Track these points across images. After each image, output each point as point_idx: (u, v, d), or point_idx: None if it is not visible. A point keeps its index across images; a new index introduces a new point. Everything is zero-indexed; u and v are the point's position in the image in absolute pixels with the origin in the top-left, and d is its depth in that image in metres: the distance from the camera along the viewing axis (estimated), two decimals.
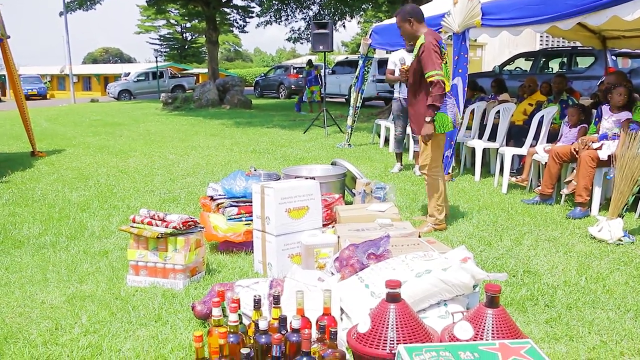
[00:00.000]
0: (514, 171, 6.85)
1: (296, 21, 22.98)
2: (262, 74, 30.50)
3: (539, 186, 5.80)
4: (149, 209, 3.75)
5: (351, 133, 10.00)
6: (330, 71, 21.46)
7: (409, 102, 4.93)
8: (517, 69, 13.91)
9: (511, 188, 6.22)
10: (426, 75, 4.43)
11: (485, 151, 7.30)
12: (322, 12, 21.98)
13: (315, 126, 12.28)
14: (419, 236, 3.77)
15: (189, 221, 3.57)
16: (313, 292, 2.87)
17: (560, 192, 5.53)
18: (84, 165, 8.47)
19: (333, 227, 4.07)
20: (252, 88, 30.11)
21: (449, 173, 6.99)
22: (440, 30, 7.37)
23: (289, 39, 24.36)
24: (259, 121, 14.79)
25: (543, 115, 6.46)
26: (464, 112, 8.02)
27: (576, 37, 9.62)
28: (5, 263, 4.13)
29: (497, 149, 6.78)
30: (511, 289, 3.39)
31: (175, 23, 49.29)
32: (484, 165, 7.28)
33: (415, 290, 2.63)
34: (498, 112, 7.32)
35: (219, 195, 4.40)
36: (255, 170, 5.59)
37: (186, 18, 38.53)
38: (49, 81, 42.48)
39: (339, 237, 3.77)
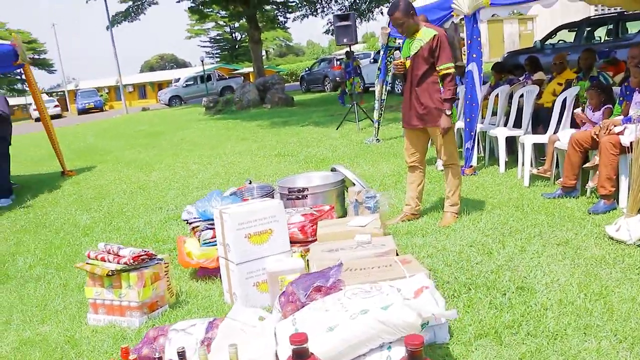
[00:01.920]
0: (543, 160, 6.30)
1: (333, 12, 22.42)
2: (307, 68, 30.25)
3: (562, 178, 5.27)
4: (107, 243, 3.55)
5: (378, 127, 9.59)
6: (372, 60, 20.94)
7: (410, 95, 4.63)
8: (560, 42, 13.05)
9: (535, 180, 5.70)
10: (442, 67, 4.41)
11: (513, 139, 6.76)
12: (357, 1, 21.46)
13: (348, 121, 11.91)
14: (396, 254, 3.41)
15: (141, 255, 3.34)
16: (250, 334, 2.58)
17: (586, 187, 4.98)
18: (106, 182, 8.48)
19: (302, 249, 3.76)
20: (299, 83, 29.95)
21: (471, 166, 6.52)
22: (451, 14, 6.92)
23: (326, 32, 23.98)
24: (296, 119, 14.54)
25: (567, 97, 5.89)
26: (485, 99, 7.51)
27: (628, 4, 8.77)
28: None
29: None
30: (494, 313, 2.98)
31: (224, 24, 49.76)
32: (511, 155, 6.75)
33: (349, 334, 2.29)
34: (523, 95, 6.76)
35: (194, 218, 4.17)
36: (250, 182, 5.34)
37: (231, 19, 38.82)
38: (106, 93, 43.81)
39: (308, 260, 3.46)
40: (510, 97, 7.23)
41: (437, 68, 4.44)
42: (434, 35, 4.39)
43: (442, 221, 4.67)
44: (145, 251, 3.38)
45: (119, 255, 3.32)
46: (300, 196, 4.88)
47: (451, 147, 4.64)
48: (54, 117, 35.34)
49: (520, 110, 6.73)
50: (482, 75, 6.50)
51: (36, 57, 48.16)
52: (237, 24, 46.93)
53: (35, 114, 35.85)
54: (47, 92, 49.88)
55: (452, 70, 4.42)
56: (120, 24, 26.39)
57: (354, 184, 5.00)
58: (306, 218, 4.25)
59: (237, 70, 41.97)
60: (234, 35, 52.45)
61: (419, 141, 4.77)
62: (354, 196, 4.48)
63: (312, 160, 8.33)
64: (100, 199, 7.29)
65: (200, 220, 4.12)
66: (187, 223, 4.24)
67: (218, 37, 53.32)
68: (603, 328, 2.73)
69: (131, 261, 3.27)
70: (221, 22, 49.00)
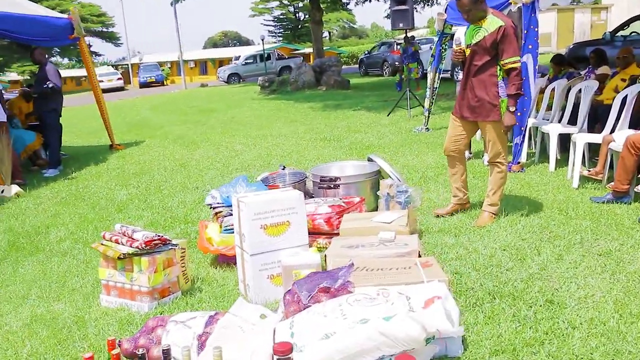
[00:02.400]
0: (597, 160, 5.92)
1: None
2: (367, 52, 29.84)
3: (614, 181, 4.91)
4: (123, 224, 3.50)
5: (429, 116, 9.29)
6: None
7: (465, 84, 4.42)
8: (633, 33, 12.27)
9: (585, 182, 5.35)
10: (507, 61, 4.14)
11: (568, 137, 6.37)
12: None
13: (400, 108, 11.62)
14: (419, 255, 3.22)
15: (154, 240, 3.26)
16: (248, 332, 2.47)
17: (635, 189, 4.63)
18: (150, 158, 8.54)
19: (326, 241, 3.61)
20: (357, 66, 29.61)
21: (519, 162, 6.20)
22: (508, 2, 6.55)
23: (387, 16, 23.50)
24: (349, 103, 14.33)
25: (628, 94, 5.48)
26: (541, 92, 7.13)
27: None
28: (6, 274, 4.10)
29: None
30: (515, 327, 2.76)
31: (287, 3, 49.73)
32: (565, 153, 6.38)
33: (346, 344, 2.13)
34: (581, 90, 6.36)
35: (218, 203, 4.07)
36: (283, 168, 5.22)
37: None
38: (169, 67, 44.51)
39: (325, 255, 3.31)
40: (568, 91, 6.82)
41: (501, 62, 4.19)
42: (500, 27, 4.12)
43: (478, 220, 4.42)
44: (159, 236, 3.30)
45: (132, 239, 3.26)
46: (331, 185, 4.73)
47: (501, 145, 4.37)
48: (116, 89, 36.36)
49: (577, 107, 6.34)
50: (537, 67, 6.13)
51: (104, 30, 49.43)
52: (300, 4, 46.86)
53: (101, 85, 36.91)
54: (113, 64, 51.15)
55: (518, 65, 4.16)
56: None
57: (390, 176, 4.80)
58: (333, 209, 4.11)
59: (297, 50, 41.87)
60: (297, 15, 52.40)
61: (464, 132, 4.54)
62: (386, 189, 4.28)
63: (356, 147, 8.14)
64: (141, 174, 7.33)
65: (223, 206, 4.03)
66: (211, 208, 4.15)
67: (281, 16, 53.39)
68: (636, 356, 2.48)
69: (143, 245, 3.20)
70: (285, 1, 49.04)
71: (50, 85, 7.90)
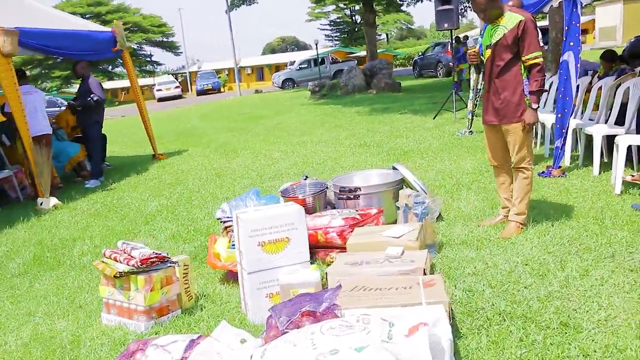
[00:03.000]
0: None
1: None
2: (421, 53, 29.38)
3: None
4: (125, 241, 3.46)
5: (472, 119, 8.95)
6: None
7: (489, 87, 4.20)
8: None
9: (629, 188, 4.97)
10: (529, 56, 3.93)
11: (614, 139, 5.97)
12: None
13: (446, 110, 11.29)
14: (424, 273, 3.02)
15: (151, 258, 3.19)
16: (226, 358, 2.35)
17: None
18: (189, 167, 8.59)
19: (331, 258, 3.45)
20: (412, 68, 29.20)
21: (560, 167, 5.85)
22: None
23: None
24: (396, 106, 14.06)
25: None
26: (589, 91, 6.72)
27: None
28: (22, 289, 4.15)
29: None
30: (519, 354, 2.53)
31: (344, 7, 49.65)
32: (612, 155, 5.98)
33: None
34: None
35: (227, 217, 3.98)
36: (305, 178, 5.10)
37: (350, 1, 38.60)
38: (226, 74, 45.20)
39: (327, 273, 3.16)
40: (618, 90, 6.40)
41: (523, 58, 3.97)
42: (520, 21, 3.92)
43: (504, 232, 4.16)
44: (156, 254, 3.23)
45: (130, 256, 3.21)
46: (351, 196, 4.57)
47: (525, 148, 4.12)
48: (174, 97, 37.20)
49: (625, 106, 5.93)
50: (578, 65, 5.77)
51: (165, 39, 50.82)
52: (356, 7, 46.67)
53: (159, 94, 37.86)
54: (173, 73, 52.46)
55: (540, 60, 3.93)
56: (239, 7, 27.01)
57: (413, 186, 4.61)
58: (347, 222, 3.95)
59: (353, 53, 41.73)
60: (353, 17, 52.25)
61: (497, 140, 4.29)
62: (404, 200, 4.09)
63: (395, 153, 7.93)
64: (176, 185, 7.37)
65: (232, 220, 3.93)
66: (221, 222, 4.07)
67: (338, 20, 53.37)
68: None
69: (139, 264, 3.14)
70: (341, 5, 48.97)
71: (95, 98, 8.06)
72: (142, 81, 51.92)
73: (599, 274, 3.31)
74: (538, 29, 6.33)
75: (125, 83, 54.45)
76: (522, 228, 4.17)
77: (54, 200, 6.89)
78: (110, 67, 50.87)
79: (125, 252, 3.28)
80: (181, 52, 52.30)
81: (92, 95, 8.02)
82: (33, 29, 7.10)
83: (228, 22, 28.92)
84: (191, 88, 45.90)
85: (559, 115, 5.90)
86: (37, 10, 8.40)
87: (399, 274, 3.01)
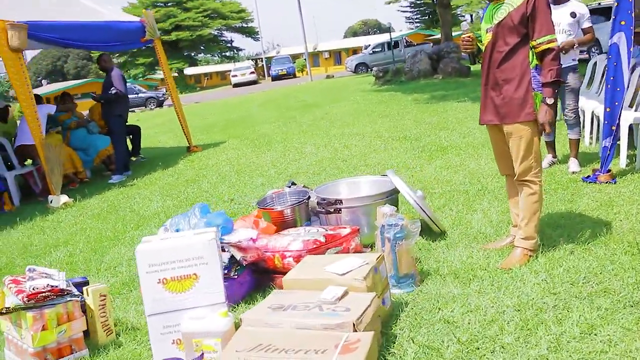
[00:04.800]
0: None
1: None
2: None
3: None
4: (32, 266, 3.01)
5: None
6: None
7: (489, 81, 3.42)
8: None
9: None
10: (541, 40, 3.18)
11: None
12: None
13: None
14: (354, 328, 2.36)
15: (42, 292, 2.71)
16: None
17: None
18: (216, 162, 8.20)
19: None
20: None
21: (609, 171, 4.91)
22: None
23: None
24: (457, 93, 13.05)
25: None
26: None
27: None
28: None
29: None
30: None
31: None
32: None
33: None
34: None
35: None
36: (290, 186, 4.51)
37: None
38: (304, 59, 44.84)
39: (241, 319, 2.56)
40: None
41: (533, 42, 3.21)
42: None
43: (506, 260, 3.38)
44: (52, 287, 2.74)
45: (20, 289, 2.74)
46: (331, 210, 3.93)
47: (532, 156, 3.33)
48: (249, 83, 37.33)
49: None
50: (631, 49, 4.80)
51: (244, 25, 51.13)
52: None
53: (234, 80, 38.08)
54: (253, 58, 52.80)
55: (554, 45, 3.19)
56: None
57: (406, 199, 3.90)
58: (305, 246, 3.34)
59: (432, 36, 40.23)
60: None
61: (503, 143, 3.51)
62: (382, 219, 3.40)
63: (430, 148, 7.14)
64: (192, 183, 6.98)
65: None
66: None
67: (418, 2, 51.72)
68: None
69: (26, 299, 2.66)
70: None
71: (114, 92, 7.79)
72: (223, 67, 52.77)
73: (609, 332, 2.52)
74: (586, 8, 5.42)
75: (208, 69, 55.71)
76: (529, 256, 3.38)
77: (64, 198, 6.66)
78: (193, 54, 51.92)
79: (20, 283, 2.82)
80: (260, 37, 52.53)
81: (112, 89, 7.74)
82: (44, 22, 6.86)
83: (298, 7, 28.43)
84: (268, 73, 46.00)
85: (608, 110, 4.95)
86: (59, 3, 8.20)
87: (321, 329, 2.37)
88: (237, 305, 3.26)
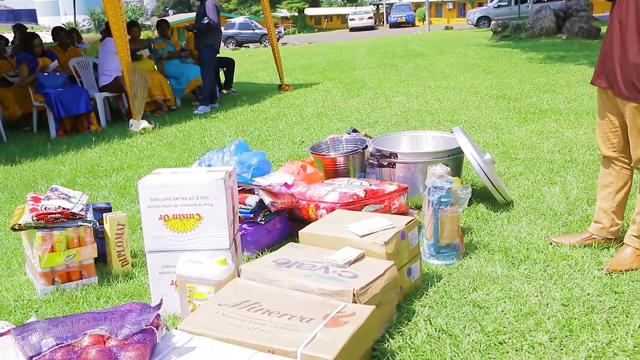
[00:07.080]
0: None
1: None
2: None
3: None
4: (55, 187, 2.94)
5: None
6: None
7: (613, 40, 2.60)
8: None
9: None
10: None
11: None
12: None
13: None
14: (354, 298, 2.08)
15: (53, 213, 2.62)
16: None
17: None
18: (300, 102, 8.02)
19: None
20: None
21: None
22: None
23: None
24: (577, 56, 11.91)
25: None
26: None
27: None
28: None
29: None
30: None
31: None
32: None
33: None
34: None
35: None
36: (351, 132, 4.19)
37: None
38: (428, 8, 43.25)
39: (240, 270, 2.34)
40: None
41: None
42: None
43: (612, 261, 2.73)
44: (64, 209, 2.65)
45: (35, 208, 2.67)
46: (384, 163, 3.59)
47: None
48: (367, 28, 36.55)
49: None
50: None
51: None
52: None
53: (352, 24, 37.44)
54: (376, 4, 51.56)
55: None
56: None
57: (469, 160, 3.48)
58: (341, 199, 3.05)
59: None
60: None
61: (616, 114, 2.76)
62: (431, 179, 3.03)
63: (528, 110, 6.50)
64: (270, 120, 6.83)
65: None
66: None
67: None
68: None
69: (35, 218, 2.59)
70: None
71: (206, 22, 7.69)
72: (345, 10, 52.03)
73: None
74: None
75: (329, 11, 55.21)
76: None
77: (144, 123, 6.73)
78: None
79: (39, 201, 2.75)
80: None
81: (204, 18, 7.64)
82: None
83: None
84: (387, 20, 44.82)
85: None
86: None
87: (319, 293, 2.11)
88: (262, 253, 3.06)
